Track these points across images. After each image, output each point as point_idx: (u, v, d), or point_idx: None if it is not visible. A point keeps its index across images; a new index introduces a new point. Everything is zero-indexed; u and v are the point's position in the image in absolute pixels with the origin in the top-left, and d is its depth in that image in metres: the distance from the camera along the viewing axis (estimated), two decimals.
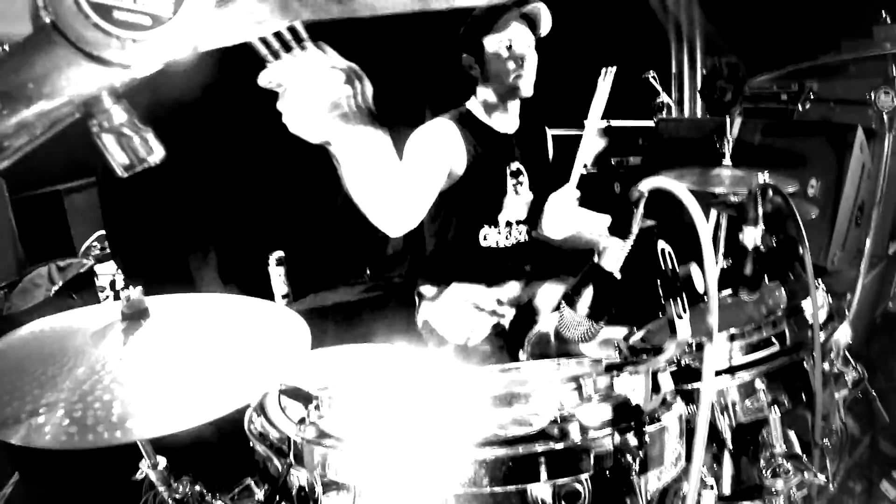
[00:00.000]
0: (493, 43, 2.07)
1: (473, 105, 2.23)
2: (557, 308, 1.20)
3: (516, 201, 2.23)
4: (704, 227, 1.01)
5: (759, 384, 1.35)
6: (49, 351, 1.03)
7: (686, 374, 1.32)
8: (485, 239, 2.22)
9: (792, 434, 1.40)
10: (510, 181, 2.20)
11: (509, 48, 2.06)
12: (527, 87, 2.11)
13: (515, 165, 2.22)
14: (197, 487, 1.18)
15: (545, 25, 2.08)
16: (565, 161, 2.20)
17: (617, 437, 1.08)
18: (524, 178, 2.23)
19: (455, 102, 2.25)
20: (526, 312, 2.29)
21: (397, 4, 0.73)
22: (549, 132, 2.42)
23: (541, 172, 2.29)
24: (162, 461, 1.16)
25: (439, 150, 2.04)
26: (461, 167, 2.09)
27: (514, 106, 2.21)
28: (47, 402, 0.89)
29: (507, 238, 2.25)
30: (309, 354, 1.12)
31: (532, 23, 2.08)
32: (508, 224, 2.24)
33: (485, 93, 2.17)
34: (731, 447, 1.37)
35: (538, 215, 2.27)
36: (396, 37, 2.39)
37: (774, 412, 1.33)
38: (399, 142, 2.14)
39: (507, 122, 2.23)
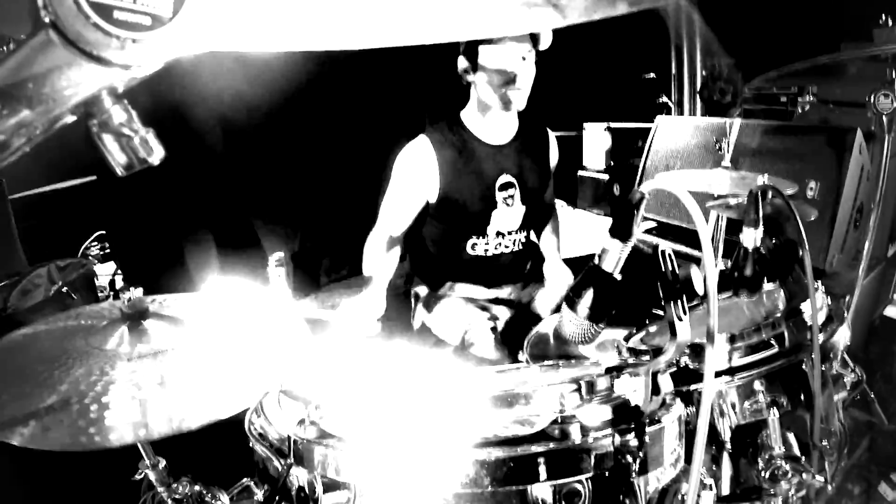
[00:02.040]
0: (488, 53, 2.01)
1: (467, 113, 2.18)
2: (557, 310, 1.20)
3: (507, 213, 2.18)
4: (704, 228, 1.01)
5: (759, 386, 1.35)
6: (50, 353, 1.03)
7: (686, 376, 1.32)
8: (473, 248, 2.20)
9: (791, 435, 1.40)
10: (499, 194, 2.15)
11: (504, 61, 1.99)
12: (519, 102, 2.06)
13: (505, 178, 2.16)
14: (196, 488, 1.18)
15: (546, 41, 2.03)
16: (568, 164, 2.17)
17: (617, 438, 1.08)
18: (515, 192, 2.17)
19: (452, 110, 2.20)
20: (525, 314, 2.29)
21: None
22: (553, 135, 2.35)
23: (538, 181, 2.25)
24: (161, 461, 1.16)
25: (412, 182, 2.12)
26: (434, 195, 2.12)
27: (511, 115, 2.16)
28: (45, 404, 0.89)
29: (496, 248, 2.22)
30: (309, 356, 1.12)
31: (533, 37, 2.02)
32: (500, 234, 2.20)
33: (479, 101, 2.11)
34: (730, 448, 1.37)
35: (535, 222, 2.26)
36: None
37: (773, 414, 1.33)
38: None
39: (501, 131, 2.17)
